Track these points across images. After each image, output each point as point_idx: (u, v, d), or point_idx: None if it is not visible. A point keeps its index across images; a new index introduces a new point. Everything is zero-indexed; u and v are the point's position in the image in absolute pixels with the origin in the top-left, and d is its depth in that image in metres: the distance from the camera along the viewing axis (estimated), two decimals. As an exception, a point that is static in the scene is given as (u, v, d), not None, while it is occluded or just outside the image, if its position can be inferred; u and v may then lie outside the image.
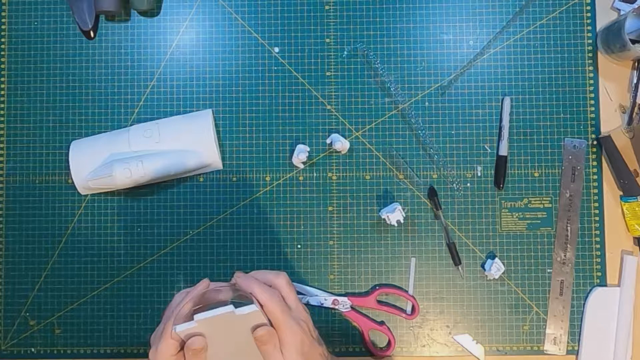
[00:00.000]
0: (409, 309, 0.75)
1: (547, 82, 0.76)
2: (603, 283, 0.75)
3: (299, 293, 0.74)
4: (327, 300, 0.74)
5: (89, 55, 0.78)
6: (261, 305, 0.56)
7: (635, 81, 0.75)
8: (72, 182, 0.74)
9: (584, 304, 0.74)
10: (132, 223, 0.76)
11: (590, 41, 0.76)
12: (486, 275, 0.74)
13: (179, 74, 0.77)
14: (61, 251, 0.76)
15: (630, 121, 0.75)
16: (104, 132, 0.76)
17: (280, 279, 0.59)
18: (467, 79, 0.76)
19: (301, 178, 0.76)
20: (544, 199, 0.75)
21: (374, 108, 0.76)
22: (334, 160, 0.76)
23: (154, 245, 0.76)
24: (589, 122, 0.76)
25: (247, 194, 0.76)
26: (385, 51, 0.77)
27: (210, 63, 0.77)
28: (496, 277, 0.73)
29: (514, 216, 0.75)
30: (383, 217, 0.73)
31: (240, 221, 0.75)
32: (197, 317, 0.53)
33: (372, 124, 0.76)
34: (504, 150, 0.75)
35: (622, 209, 0.75)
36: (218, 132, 0.76)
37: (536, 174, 0.76)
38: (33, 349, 0.75)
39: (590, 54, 0.76)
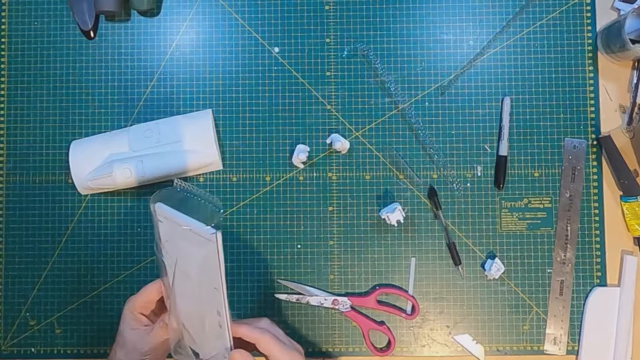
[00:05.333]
0: (409, 309, 0.75)
1: (547, 82, 0.76)
2: (603, 283, 0.75)
3: (299, 293, 0.74)
4: (327, 300, 0.74)
5: (89, 55, 0.78)
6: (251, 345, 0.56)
7: (635, 81, 0.75)
8: (72, 182, 0.74)
9: (584, 304, 0.74)
10: (132, 223, 0.76)
11: (590, 41, 0.76)
12: (486, 275, 0.74)
13: (179, 74, 0.77)
14: (61, 251, 0.76)
15: (630, 121, 0.75)
16: (104, 132, 0.76)
17: (263, 322, 0.59)
18: (467, 79, 0.76)
19: (301, 178, 0.76)
20: (544, 199, 0.75)
21: (374, 108, 0.76)
22: (334, 160, 0.76)
23: (154, 245, 0.75)
24: (589, 122, 0.76)
25: (247, 194, 0.76)
26: (385, 51, 0.77)
27: (210, 63, 0.77)
28: (496, 277, 0.73)
29: (514, 216, 0.75)
30: (383, 217, 0.73)
31: (240, 221, 0.75)
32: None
33: (372, 124, 0.76)
34: (504, 150, 0.75)
35: (622, 209, 0.75)
36: (218, 132, 0.76)
37: (536, 174, 0.76)
38: (33, 349, 0.75)
39: (590, 54, 0.76)
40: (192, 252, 0.54)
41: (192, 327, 0.57)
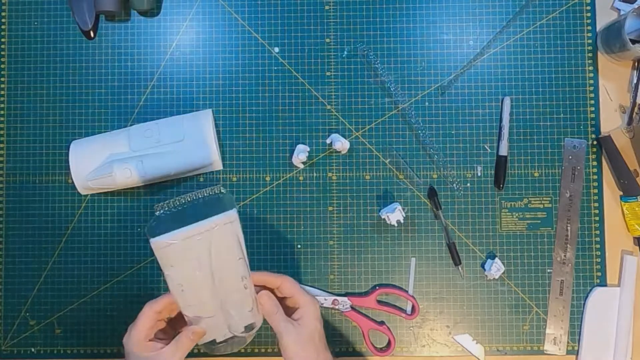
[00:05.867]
0: (409, 309, 0.75)
1: (547, 82, 0.76)
2: (603, 283, 0.75)
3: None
4: (327, 300, 0.74)
5: (89, 55, 0.78)
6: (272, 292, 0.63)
7: (635, 81, 0.75)
8: (72, 182, 0.74)
9: (584, 304, 0.74)
10: (132, 223, 0.76)
11: (590, 41, 0.76)
12: (486, 275, 0.74)
13: (179, 74, 0.77)
14: (61, 251, 0.76)
15: (630, 121, 0.75)
16: (104, 132, 0.76)
17: (284, 277, 0.64)
18: (467, 79, 0.76)
19: (301, 178, 0.76)
20: (544, 199, 0.75)
21: (374, 108, 0.76)
22: (334, 160, 0.76)
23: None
24: (589, 122, 0.76)
25: (247, 194, 0.76)
26: (385, 51, 0.77)
27: (210, 63, 0.77)
28: (496, 277, 0.73)
29: (514, 216, 0.75)
30: (383, 217, 0.73)
31: (240, 221, 0.75)
32: (174, 232, 0.57)
33: (372, 124, 0.76)
34: (504, 150, 0.75)
35: (622, 209, 0.75)
36: (218, 132, 0.76)
37: (536, 174, 0.76)
38: (33, 349, 0.75)
39: (590, 54, 0.76)
40: (205, 249, 0.57)
41: (224, 310, 0.60)
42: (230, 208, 0.59)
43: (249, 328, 0.61)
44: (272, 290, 0.64)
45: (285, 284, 0.63)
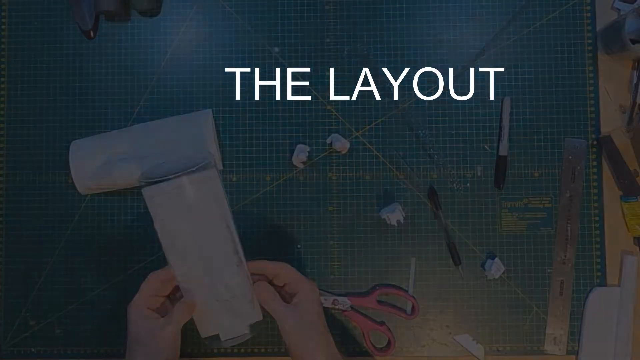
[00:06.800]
0: (409, 309, 0.75)
1: (547, 82, 0.76)
2: (603, 283, 0.75)
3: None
4: (327, 300, 0.74)
5: (89, 55, 0.78)
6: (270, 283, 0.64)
7: (635, 81, 0.75)
8: (72, 182, 0.74)
9: (584, 304, 0.74)
10: (132, 223, 0.76)
11: (590, 41, 0.76)
12: (486, 275, 0.74)
13: (179, 74, 0.77)
14: (61, 251, 0.76)
15: (630, 121, 0.75)
16: (104, 132, 0.76)
17: (282, 264, 0.65)
18: (467, 79, 0.76)
19: (301, 178, 0.76)
20: (544, 199, 0.75)
21: (374, 108, 0.76)
22: (334, 160, 0.76)
23: (154, 245, 0.76)
24: (589, 122, 0.76)
25: (247, 194, 0.76)
26: (386, 51, 0.77)
27: (210, 63, 0.77)
28: (496, 277, 0.73)
29: (514, 216, 0.75)
30: (383, 217, 0.73)
31: (240, 221, 0.75)
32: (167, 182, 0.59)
33: (372, 124, 0.76)
34: (504, 150, 0.75)
35: (622, 209, 0.75)
36: (218, 132, 0.76)
37: (536, 174, 0.76)
38: (33, 349, 0.75)
39: (590, 54, 0.76)
40: (188, 205, 0.59)
41: (216, 285, 0.61)
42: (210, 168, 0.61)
43: (246, 313, 0.63)
44: (270, 281, 0.64)
45: (283, 271, 0.63)
